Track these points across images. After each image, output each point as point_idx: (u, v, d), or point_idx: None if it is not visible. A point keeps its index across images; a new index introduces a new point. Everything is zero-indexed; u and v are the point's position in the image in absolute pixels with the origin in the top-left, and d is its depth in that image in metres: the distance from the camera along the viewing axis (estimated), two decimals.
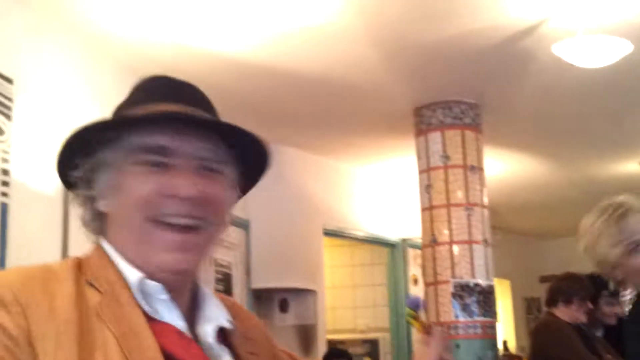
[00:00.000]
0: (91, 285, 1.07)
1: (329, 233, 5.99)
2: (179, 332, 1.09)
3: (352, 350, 6.11)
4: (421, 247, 5.03)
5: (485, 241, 4.84)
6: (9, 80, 3.21)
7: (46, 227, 3.36)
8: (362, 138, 5.69)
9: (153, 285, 1.09)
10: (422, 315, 1.48)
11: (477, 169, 4.91)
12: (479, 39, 4.00)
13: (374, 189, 6.57)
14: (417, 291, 6.49)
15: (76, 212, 1.16)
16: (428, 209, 4.91)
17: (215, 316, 1.17)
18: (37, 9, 3.47)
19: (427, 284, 4.87)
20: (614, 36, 3.75)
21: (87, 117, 1.16)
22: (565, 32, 3.77)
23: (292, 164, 5.76)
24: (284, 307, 5.52)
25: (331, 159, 6.17)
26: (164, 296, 1.10)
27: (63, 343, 0.98)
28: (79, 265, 1.10)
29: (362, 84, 4.61)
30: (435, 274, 4.76)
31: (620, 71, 4.34)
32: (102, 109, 2.61)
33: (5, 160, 3.14)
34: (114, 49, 3.94)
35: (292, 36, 3.88)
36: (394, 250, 6.81)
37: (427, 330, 1.42)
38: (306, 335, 5.50)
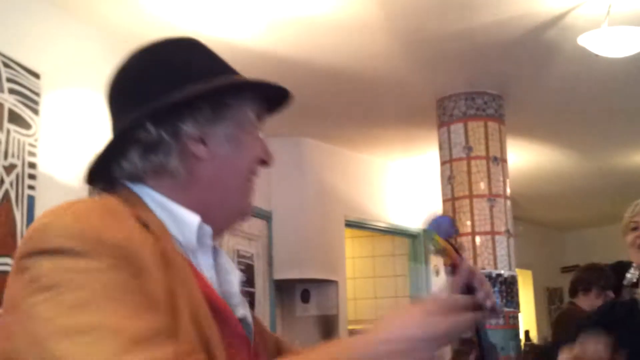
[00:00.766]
0: (146, 226, 1.10)
1: (350, 224, 6.01)
2: (210, 283, 1.16)
3: None
4: None
5: (507, 232, 4.84)
6: (36, 75, 3.25)
7: None
8: (384, 130, 5.69)
9: (208, 230, 1.18)
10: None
11: (500, 160, 4.89)
12: (503, 29, 3.98)
13: (396, 181, 6.57)
14: (438, 282, 6.49)
15: (128, 159, 1.18)
16: (450, 200, 4.90)
17: (232, 268, 1.26)
18: (61, 4, 3.50)
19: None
20: (638, 26, 3.73)
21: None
22: (590, 22, 3.75)
23: (314, 156, 5.77)
24: (305, 297, 5.54)
25: (353, 150, 6.17)
26: (210, 242, 1.20)
27: (156, 272, 1.04)
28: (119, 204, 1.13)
29: (384, 76, 4.61)
30: None
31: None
32: None
33: (32, 154, 3.18)
34: (135, 42, 3.96)
35: (314, 27, 3.88)
36: (415, 241, 6.81)
37: (455, 262, 1.20)
38: (327, 325, 5.52)
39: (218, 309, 1.12)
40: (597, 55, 3.84)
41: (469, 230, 4.78)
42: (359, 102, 5.13)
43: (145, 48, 1.29)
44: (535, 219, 9.25)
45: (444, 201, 4.96)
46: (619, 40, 3.67)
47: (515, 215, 5.09)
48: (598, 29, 3.65)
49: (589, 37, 3.68)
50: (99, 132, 3.23)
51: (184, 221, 1.17)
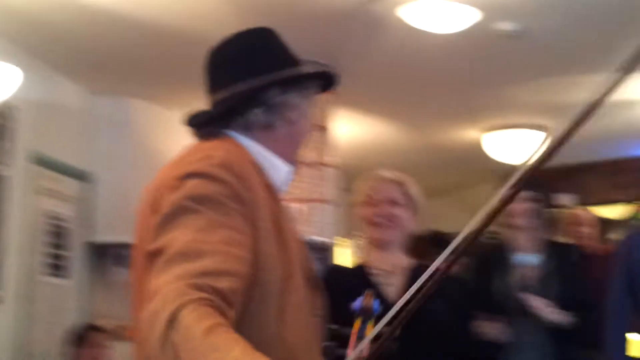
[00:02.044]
0: (260, 180, 1.50)
1: None
2: None
3: None
4: None
5: (332, 201, 4.90)
6: None
7: None
8: None
9: (291, 176, 1.66)
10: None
11: (328, 129, 4.94)
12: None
13: None
14: None
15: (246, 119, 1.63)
16: None
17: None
18: None
19: None
20: (462, 3, 3.84)
21: None
22: None
23: (142, 118, 5.59)
24: (121, 261, 5.36)
25: (182, 113, 6.01)
26: (287, 186, 1.66)
27: (267, 218, 1.46)
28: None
29: (216, 38, 4.50)
30: None
31: (467, 40, 4.48)
32: None
33: None
34: None
35: None
36: None
37: None
38: None
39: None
40: (420, 30, 3.93)
41: (296, 197, 4.80)
42: (191, 65, 4.91)
43: (251, 32, 1.76)
44: None
45: None
46: (440, 15, 3.76)
47: (348, 187, 5.16)
48: (416, 1, 3.73)
49: (409, 9, 3.75)
50: None
51: (277, 167, 1.62)
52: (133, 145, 5.48)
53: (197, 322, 1.14)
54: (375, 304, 1.97)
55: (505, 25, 4.32)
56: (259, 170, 1.53)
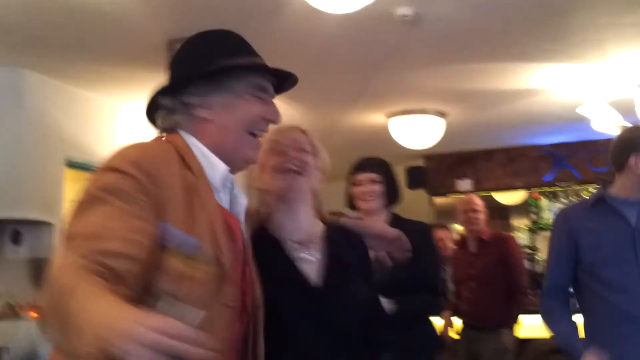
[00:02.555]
0: (189, 169, 1.66)
1: (73, 165, 5.71)
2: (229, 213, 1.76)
3: None
4: None
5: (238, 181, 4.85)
6: None
7: None
8: (114, 68, 5.43)
9: (231, 176, 1.77)
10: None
11: None
12: None
13: (127, 123, 6.34)
14: None
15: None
16: None
17: (242, 197, 1.83)
18: None
19: None
20: None
21: None
22: None
23: (35, 90, 5.39)
24: (16, 239, 5.19)
25: (81, 88, 5.85)
26: (230, 184, 1.79)
27: (180, 207, 1.57)
28: (176, 149, 1.68)
29: (117, 11, 4.37)
30: None
31: (365, 23, 4.50)
32: None
33: None
34: None
35: None
36: None
37: None
38: (40, 268, 5.23)
39: (230, 227, 1.71)
40: (317, 12, 3.91)
41: None
42: (90, 37, 4.84)
43: (198, 34, 1.91)
44: None
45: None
46: None
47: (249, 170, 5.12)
48: None
49: None
50: None
51: (214, 165, 1.72)
52: (26, 118, 5.28)
53: (81, 279, 1.31)
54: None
55: (402, 10, 4.36)
56: (188, 166, 1.66)
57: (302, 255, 2.20)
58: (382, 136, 7.22)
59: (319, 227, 2.29)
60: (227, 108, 1.75)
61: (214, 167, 1.72)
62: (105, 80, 5.71)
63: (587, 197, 3.34)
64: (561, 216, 3.12)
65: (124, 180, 1.52)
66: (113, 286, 1.32)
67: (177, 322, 1.17)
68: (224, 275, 1.62)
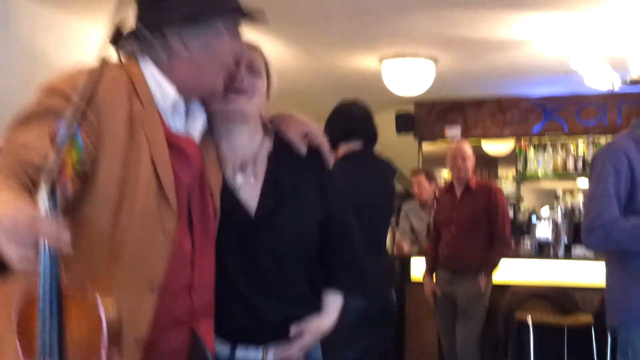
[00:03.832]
0: (137, 96, 1.75)
1: None
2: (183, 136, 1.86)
3: None
4: None
5: None
6: None
7: None
8: None
9: (180, 104, 1.85)
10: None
11: None
12: None
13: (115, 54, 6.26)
14: None
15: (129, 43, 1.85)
16: None
17: (199, 115, 1.93)
18: None
19: None
20: None
21: None
22: None
23: (24, 18, 5.32)
24: None
25: (71, 16, 5.75)
26: (182, 109, 1.87)
27: (117, 138, 1.69)
28: (127, 75, 1.77)
29: None
30: None
31: None
32: None
33: None
34: None
35: None
36: None
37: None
38: None
39: (184, 151, 1.81)
40: None
41: None
42: None
43: None
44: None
45: None
46: None
47: None
48: None
49: None
50: None
51: (165, 92, 1.81)
52: (13, 46, 5.23)
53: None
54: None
55: None
56: (136, 90, 1.76)
57: (239, 179, 2.07)
58: (374, 82, 7.20)
59: (265, 148, 2.14)
60: (207, 47, 1.82)
61: (164, 93, 1.80)
62: (95, 10, 5.62)
63: (624, 134, 3.12)
64: (618, 150, 2.97)
65: (63, 106, 1.59)
66: (26, 192, 1.45)
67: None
68: (166, 203, 1.73)
